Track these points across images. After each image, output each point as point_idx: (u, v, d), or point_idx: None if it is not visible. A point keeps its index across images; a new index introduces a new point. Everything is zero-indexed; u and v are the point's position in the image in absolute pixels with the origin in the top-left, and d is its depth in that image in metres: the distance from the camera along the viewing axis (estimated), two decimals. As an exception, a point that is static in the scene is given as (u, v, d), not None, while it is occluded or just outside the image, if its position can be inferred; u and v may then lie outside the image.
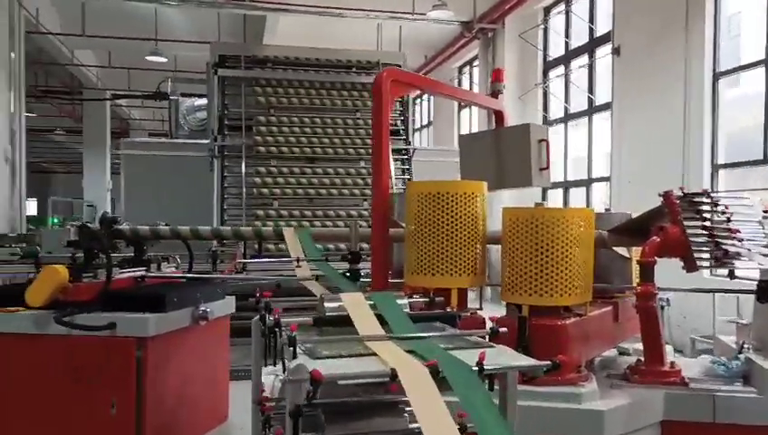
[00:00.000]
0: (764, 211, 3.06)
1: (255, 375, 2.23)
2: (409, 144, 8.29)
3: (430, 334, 1.82)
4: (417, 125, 18.04)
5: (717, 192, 2.91)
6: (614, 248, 3.42)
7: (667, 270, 2.90)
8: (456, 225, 2.90)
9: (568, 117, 10.74)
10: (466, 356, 1.57)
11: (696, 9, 7.41)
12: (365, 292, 2.29)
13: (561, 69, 10.91)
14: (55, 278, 3.27)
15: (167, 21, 12.58)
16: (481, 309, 3.25)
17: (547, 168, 3.96)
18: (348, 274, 3.00)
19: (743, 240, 2.77)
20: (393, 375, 1.43)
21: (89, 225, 3.84)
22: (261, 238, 4.14)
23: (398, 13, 10.88)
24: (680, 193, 2.85)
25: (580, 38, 10.42)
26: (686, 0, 7.43)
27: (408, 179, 7.69)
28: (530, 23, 11.40)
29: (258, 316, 2.06)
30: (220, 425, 4.09)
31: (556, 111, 11.18)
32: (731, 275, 2.95)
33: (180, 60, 14.28)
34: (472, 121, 14.08)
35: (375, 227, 3.37)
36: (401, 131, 8.26)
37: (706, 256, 2.78)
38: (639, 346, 3.91)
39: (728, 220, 2.81)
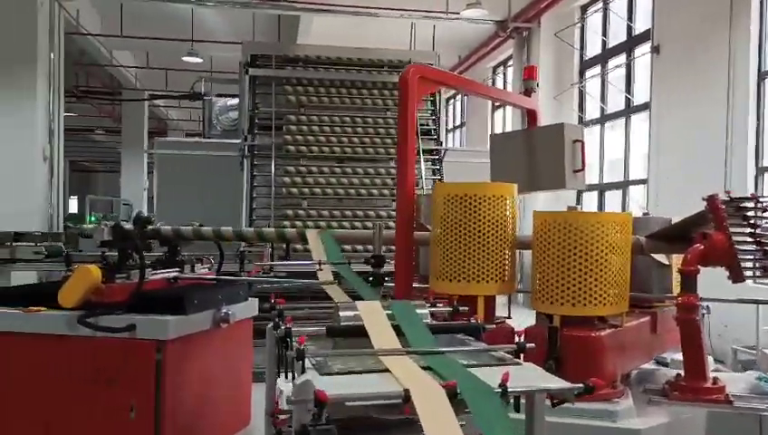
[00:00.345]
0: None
1: (269, 386, 2.13)
2: (441, 144, 8.15)
3: (450, 349, 1.69)
4: (450, 126, 17.88)
5: (765, 197, 2.71)
6: (652, 255, 3.26)
7: (707, 277, 2.71)
8: (484, 229, 2.76)
9: (604, 118, 10.47)
10: (489, 375, 1.44)
11: (741, 5, 7.11)
12: (384, 300, 2.17)
13: (597, 69, 10.65)
14: (88, 279, 3.20)
15: (203, 22, 12.71)
16: (509, 317, 3.11)
17: (582, 169, 3.79)
18: (370, 278, 2.89)
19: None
20: (406, 397, 1.30)
21: (123, 224, 3.79)
22: (284, 240, 4.05)
23: (431, 12, 10.76)
24: (726, 197, 2.67)
25: (617, 37, 10.15)
26: (731, -4, 7.15)
27: (439, 180, 7.55)
28: (566, 21, 11.16)
29: (272, 324, 1.96)
30: (243, 429, 4.03)
31: (592, 111, 10.91)
32: (780, 285, 2.76)
33: (216, 61, 14.43)
34: (506, 122, 13.87)
35: (399, 230, 3.25)
36: (432, 131, 8.12)
37: (754, 265, 2.60)
38: (678, 356, 3.72)
39: (778, 227, 2.62)
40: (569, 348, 2.59)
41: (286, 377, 1.76)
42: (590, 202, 10.54)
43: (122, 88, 17.46)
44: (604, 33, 10.53)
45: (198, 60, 14.03)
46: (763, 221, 2.66)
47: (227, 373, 3.88)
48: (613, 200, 10.13)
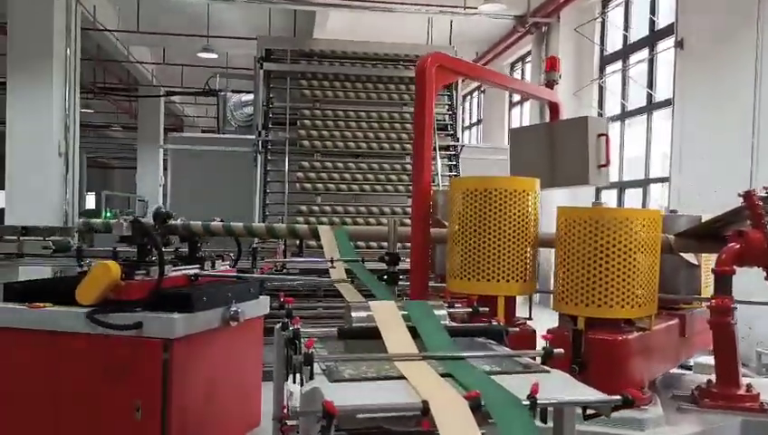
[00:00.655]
0: None
1: (277, 390, 2.00)
2: (457, 141, 8.00)
3: (471, 354, 1.55)
4: (467, 123, 17.70)
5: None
6: (681, 255, 3.11)
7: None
8: (506, 225, 2.62)
9: (625, 114, 10.25)
10: (514, 384, 1.30)
11: (770, -2, 6.88)
12: (399, 299, 2.04)
13: (617, 64, 10.43)
14: (107, 275, 3.09)
15: (219, 19, 12.67)
16: (530, 318, 2.97)
17: (606, 165, 3.64)
18: (385, 277, 2.76)
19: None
20: (425, 409, 1.18)
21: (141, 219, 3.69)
22: (295, 236, 3.94)
23: (448, 7, 10.60)
24: (765, 193, 2.51)
25: (638, 32, 9.92)
26: (759, -12, 6.92)
27: (455, 176, 7.41)
28: (586, 16, 10.94)
29: (280, 324, 1.83)
30: (252, 430, 3.93)
31: (612, 108, 10.70)
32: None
33: (232, 57, 14.39)
34: (522, 120, 13.68)
35: (415, 226, 3.11)
36: (449, 127, 7.97)
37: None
38: (702, 360, 3.55)
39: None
40: (594, 352, 2.45)
41: (294, 380, 1.64)
42: (608, 200, 10.34)
43: (139, 84, 17.50)
44: (625, 28, 10.31)
45: (214, 56, 14.00)
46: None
47: (237, 373, 3.78)
48: (632, 199, 9.93)
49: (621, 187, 10.21)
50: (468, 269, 2.67)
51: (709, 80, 7.73)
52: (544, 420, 1.38)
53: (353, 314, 1.75)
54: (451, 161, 7.76)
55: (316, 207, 7.21)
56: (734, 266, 2.50)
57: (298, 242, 5.91)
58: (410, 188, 7.20)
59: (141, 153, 19.11)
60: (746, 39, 7.11)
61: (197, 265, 3.71)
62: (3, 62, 9.56)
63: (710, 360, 3.62)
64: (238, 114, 10.74)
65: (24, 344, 3.17)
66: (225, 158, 8.29)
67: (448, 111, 8.06)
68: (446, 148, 7.77)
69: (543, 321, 2.90)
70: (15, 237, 3.93)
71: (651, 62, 9.46)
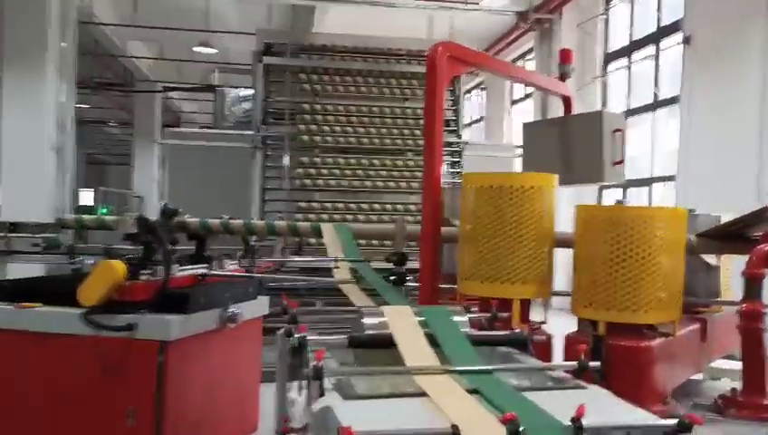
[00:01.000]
0: None
1: (279, 401, 1.84)
2: (460, 138, 7.86)
3: (499, 367, 1.39)
4: (467, 120, 17.57)
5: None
6: (702, 256, 2.97)
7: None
8: (522, 224, 2.47)
9: (629, 112, 10.12)
10: (549, 402, 1.16)
11: (779, -6, 6.76)
12: (413, 304, 1.88)
13: (621, 61, 10.28)
14: (111, 275, 2.93)
15: (217, 14, 12.48)
16: (545, 322, 2.83)
17: (621, 161, 3.49)
18: (391, 278, 2.61)
19: None
20: (455, 435, 1.02)
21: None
22: (295, 234, 3.79)
23: (449, 2, 10.44)
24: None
25: (641, 29, 9.78)
26: (768, -16, 6.80)
27: (458, 174, 7.26)
28: (590, 12, 10.80)
29: (283, 330, 1.68)
30: (249, 435, 3.78)
31: (614, 106, 10.56)
32: None
33: (230, 52, 14.20)
34: (525, 117, 13.54)
35: (425, 225, 2.95)
36: (452, 123, 7.82)
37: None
38: (718, 365, 3.42)
39: None
40: (615, 359, 2.30)
41: (299, 393, 1.48)
42: (609, 201, 10.22)
43: (135, 80, 17.29)
44: (630, 24, 10.17)
45: (211, 50, 13.82)
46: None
47: (234, 376, 3.63)
48: (636, 198, 9.81)
49: (625, 186, 10.08)
50: (481, 271, 2.52)
51: (716, 76, 7.61)
52: None
53: (365, 321, 1.59)
54: (454, 158, 7.62)
55: (316, 204, 7.07)
56: (765, 269, 2.36)
57: (297, 240, 5.77)
58: (412, 184, 7.12)
59: (137, 149, 18.90)
60: (755, 34, 7.00)
61: (205, 265, 3.56)
62: (-4, 54, 9.37)
63: (722, 364, 3.50)
64: (236, 109, 10.59)
65: (11, 346, 3.02)
66: (222, 153, 8.13)
67: (451, 106, 7.91)
68: (450, 145, 7.63)
69: (553, 324, 2.77)
70: (3, 234, 3.78)
71: (656, 59, 9.33)
